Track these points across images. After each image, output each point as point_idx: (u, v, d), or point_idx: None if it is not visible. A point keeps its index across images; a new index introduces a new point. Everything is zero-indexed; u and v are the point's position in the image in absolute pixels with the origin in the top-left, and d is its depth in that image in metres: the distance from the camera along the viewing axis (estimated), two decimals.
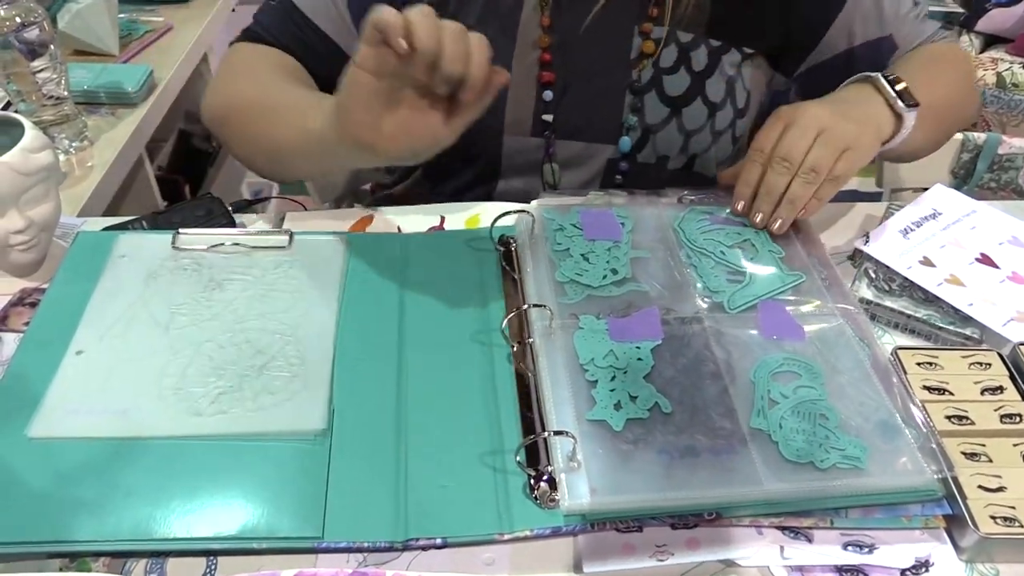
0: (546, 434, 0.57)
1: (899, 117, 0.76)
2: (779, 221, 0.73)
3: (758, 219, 0.74)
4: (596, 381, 0.61)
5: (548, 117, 0.84)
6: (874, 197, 1.43)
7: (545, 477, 0.56)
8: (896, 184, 1.14)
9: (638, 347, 0.63)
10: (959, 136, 1.12)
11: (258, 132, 0.77)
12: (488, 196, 0.88)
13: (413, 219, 0.81)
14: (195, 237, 0.75)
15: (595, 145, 0.86)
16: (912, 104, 0.75)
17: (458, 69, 0.56)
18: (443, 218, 0.81)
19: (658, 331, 0.64)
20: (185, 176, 1.48)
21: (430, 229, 0.79)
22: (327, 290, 0.71)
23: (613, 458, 0.56)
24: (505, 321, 0.66)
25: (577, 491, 0.54)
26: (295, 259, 0.74)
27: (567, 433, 0.56)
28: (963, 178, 1.12)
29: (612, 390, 0.60)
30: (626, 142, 0.85)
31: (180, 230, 0.75)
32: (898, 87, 0.76)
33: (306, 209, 0.86)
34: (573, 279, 0.69)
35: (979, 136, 1.10)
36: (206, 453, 0.58)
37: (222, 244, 0.74)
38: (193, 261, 0.73)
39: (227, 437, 0.59)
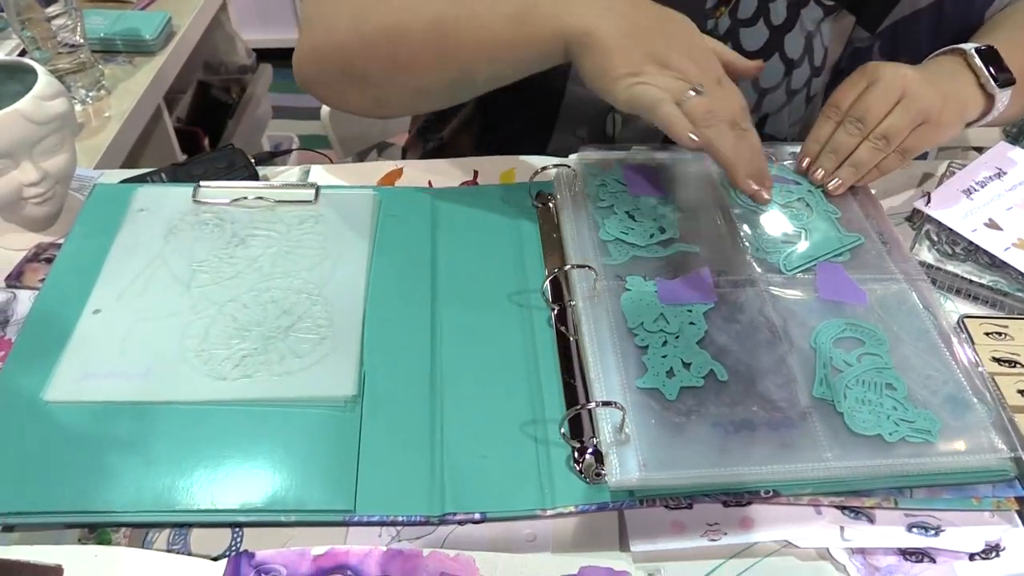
0: (593, 404, 0.53)
1: (990, 96, 0.70)
2: (837, 181, 0.69)
3: (818, 175, 0.70)
4: (647, 346, 0.57)
5: None
6: (920, 155, 1.37)
7: (590, 450, 0.53)
8: (948, 143, 1.08)
9: (690, 310, 0.59)
10: None
11: (429, 57, 0.64)
12: (540, 151, 0.82)
13: (445, 173, 0.77)
14: (216, 190, 0.71)
15: None
16: (1006, 82, 0.70)
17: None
18: (476, 172, 0.77)
19: (710, 294, 0.60)
20: (204, 128, 1.43)
21: (463, 184, 0.75)
22: (356, 247, 0.67)
23: (665, 431, 0.52)
24: (546, 282, 0.62)
25: (626, 465, 0.50)
26: (321, 214, 0.70)
27: (616, 404, 0.52)
28: (1015, 136, 1.06)
29: (664, 356, 0.56)
30: None
31: (201, 183, 0.71)
32: (990, 61, 0.70)
33: (332, 162, 0.82)
34: (618, 238, 0.65)
35: None
36: (231, 419, 0.55)
37: (245, 198, 0.70)
38: (215, 216, 0.69)
39: (252, 403, 0.56)
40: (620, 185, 0.69)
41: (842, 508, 0.53)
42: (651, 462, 0.51)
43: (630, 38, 0.58)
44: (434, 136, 0.95)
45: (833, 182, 0.69)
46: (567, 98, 0.80)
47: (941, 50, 0.73)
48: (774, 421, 0.53)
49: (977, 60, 0.70)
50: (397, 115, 0.78)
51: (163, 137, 1.33)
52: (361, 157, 1.12)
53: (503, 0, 0.62)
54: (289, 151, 1.18)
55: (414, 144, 1.01)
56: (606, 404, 0.52)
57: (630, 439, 0.52)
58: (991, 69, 0.70)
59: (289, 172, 0.79)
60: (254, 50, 1.61)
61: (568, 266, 0.62)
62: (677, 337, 0.57)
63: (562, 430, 0.54)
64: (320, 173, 0.78)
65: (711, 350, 0.57)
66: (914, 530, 0.52)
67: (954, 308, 0.66)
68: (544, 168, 0.70)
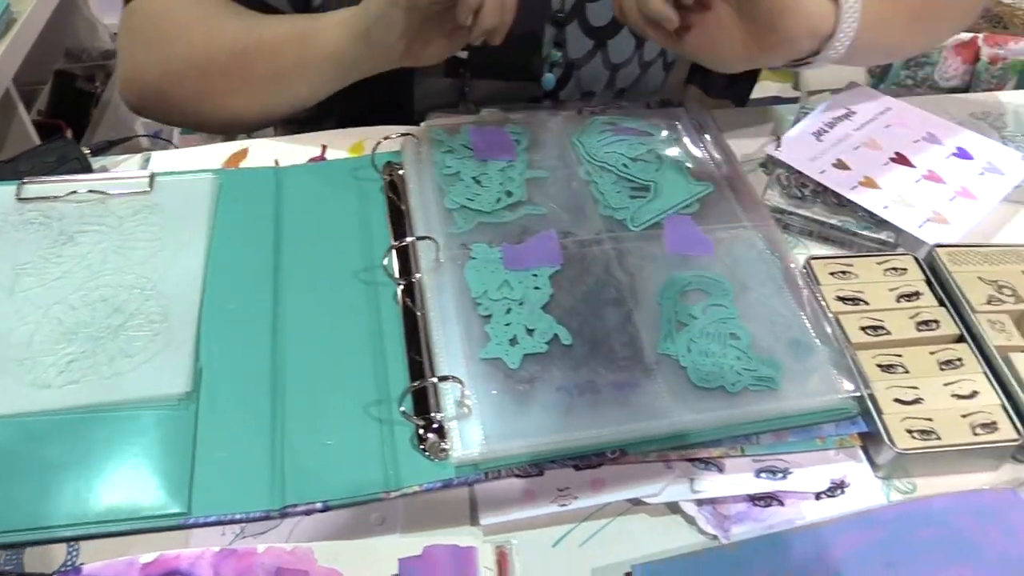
0: (431, 380, 0.52)
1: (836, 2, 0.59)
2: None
3: None
4: (490, 316, 0.56)
5: (462, 54, 0.75)
6: (793, 102, 1.39)
7: (436, 425, 0.52)
8: (816, 86, 1.10)
9: (535, 275, 0.58)
10: None
11: (233, 83, 0.70)
12: None
13: (292, 150, 0.74)
14: (43, 186, 0.67)
15: (515, 83, 0.78)
16: None
17: (495, 20, 0.61)
18: (324, 147, 0.74)
19: (556, 256, 0.59)
20: (68, 120, 1.36)
21: (310, 160, 0.72)
22: (193, 235, 0.64)
23: (507, 400, 0.51)
24: (386, 257, 0.60)
25: (467, 439, 0.49)
26: (157, 203, 0.66)
27: (453, 377, 0.51)
28: (880, 76, 1.08)
29: (507, 324, 0.55)
30: (550, 79, 0.78)
31: (25, 179, 0.67)
32: None
33: (176, 147, 0.78)
34: (463, 205, 0.63)
35: None
36: (58, 429, 0.52)
37: (74, 192, 0.66)
38: (41, 214, 0.65)
39: (81, 410, 0.53)
40: (467, 150, 0.67)
41: (692, 460, 0.53)
42: (492, 434, 0.49)
43: None
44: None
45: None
46: (417, 91, 0.78)
47: None
48: (618, 381, 0.52)
49: None
50: (224, 134, 0.77)
51: (20, 132, 1.26)
52: (231, 139, 1.07)
53: (286, 26, 0.68)
54: (131, 138, 1.13)
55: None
56: (443, 379, 0.51)
57: (471, 412, 0.50)
58: None
59: (130, 160, 0.75)
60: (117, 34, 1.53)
61: (408, 239, 0.60)
62: (521, 303, 0.56)
63: (402, 408, 0.52)
64: (162, 159, 0.74)
65: (556, 314, 0.56)
66: (763, 475, 0.52)
67: (806, 250, 0.67)
68: (387, 137, 0.68)
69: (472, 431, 0.50)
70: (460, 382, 0.50)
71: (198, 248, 0.63)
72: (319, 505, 0.50)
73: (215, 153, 0.74)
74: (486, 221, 0.62)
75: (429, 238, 0.59)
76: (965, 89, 1.07)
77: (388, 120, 0.80)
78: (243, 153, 0.74)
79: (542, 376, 0.52)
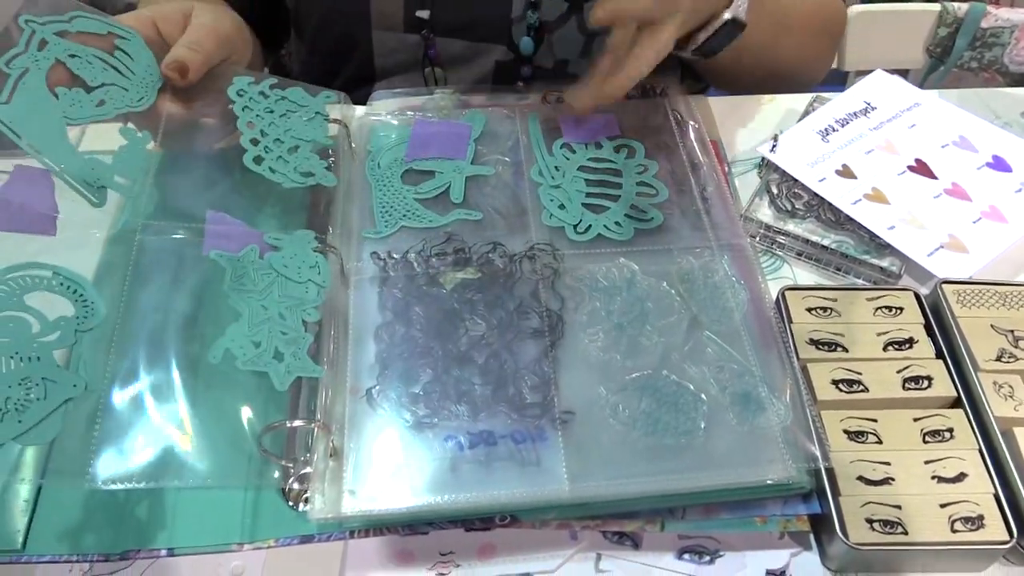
0: (298, 422, 0.45)
1: None
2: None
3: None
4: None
5: (424, 13, 0.67)
6: (835, 80, 1.25)
7: (305, 471, 0.45)
8: (865, 64, 0.96)
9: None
10: (935, 7, 0.93)
11: None
12: (364, 101, 0.72)
13: None
14: None
15: (482, 45, 0.70)
16: None
17: None
18: None
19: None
20: None
21: None
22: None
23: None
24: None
25: (328, 494, 0.42)
26: None
27: (316, 421, 0.43)
28: (940, 56, 0.94)
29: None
30: (527, 43, 0.69)
31: None
32: None
33: None
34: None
35: (959, 6, 0.91)
36: None
37: None
38: None
39: None
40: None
41: (603, 531, 0.44)
42: (360, 490, 0.42)
43: None
44: None
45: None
46: (377, 48, 0.70)
47: None
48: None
49: None
50: None
51: None
52: None
53: None
54: None
55: None
56: (309, 421, 0.44)
57: (341, 460, 0.43)
58: None
59: None
60: None
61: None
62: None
63: (263, 448, 0.45)
64: None
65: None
66: (686, 556, 0.44)
67: (791, 276, 0.56)
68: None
69: (335, 485, 0.42)
70: (325, 427, 0.43)
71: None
72: (163, 552, 0.44)
73: None
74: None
75: (331, 248, 0.51)
76: None
77: (352, 79, 0.73)
78: None
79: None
